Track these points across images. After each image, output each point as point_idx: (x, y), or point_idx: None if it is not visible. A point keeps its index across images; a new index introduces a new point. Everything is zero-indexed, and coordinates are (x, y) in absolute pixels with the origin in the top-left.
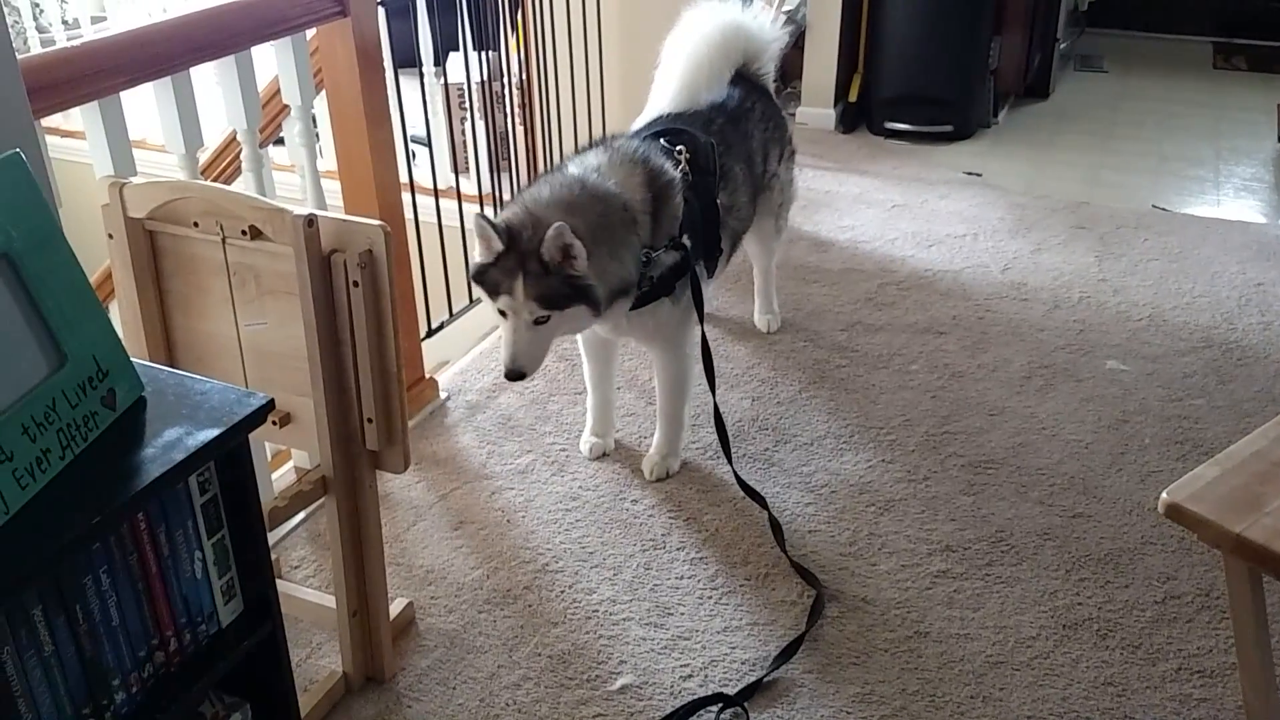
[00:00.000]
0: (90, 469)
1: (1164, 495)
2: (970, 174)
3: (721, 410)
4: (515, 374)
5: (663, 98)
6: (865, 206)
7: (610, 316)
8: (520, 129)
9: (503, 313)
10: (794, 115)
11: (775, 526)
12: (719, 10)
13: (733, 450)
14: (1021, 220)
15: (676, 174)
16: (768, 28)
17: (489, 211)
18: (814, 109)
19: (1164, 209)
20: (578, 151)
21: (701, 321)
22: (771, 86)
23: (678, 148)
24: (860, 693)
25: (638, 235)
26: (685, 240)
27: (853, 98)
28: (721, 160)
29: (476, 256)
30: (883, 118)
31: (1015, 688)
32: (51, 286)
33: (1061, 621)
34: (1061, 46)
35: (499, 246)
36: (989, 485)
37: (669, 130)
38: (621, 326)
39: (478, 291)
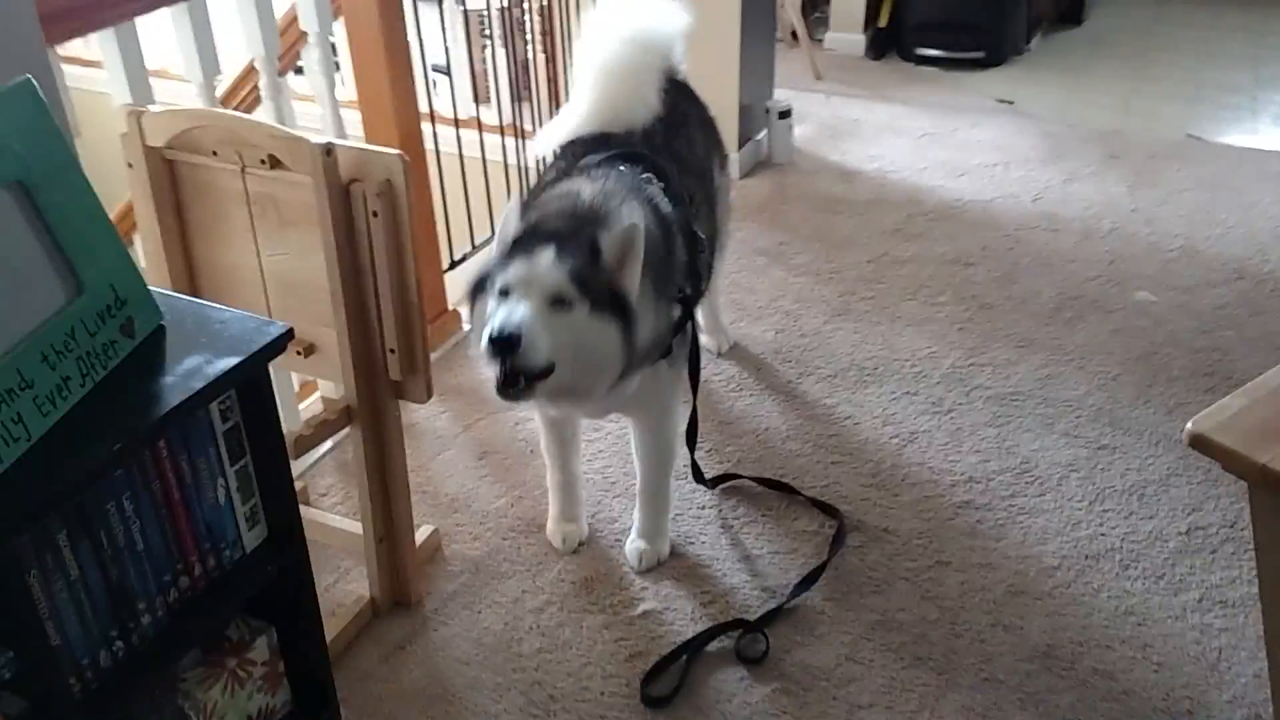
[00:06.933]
0: (111, 396)
1: (1189, 425)
2: (1002, 101)
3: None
4: (504, 340)
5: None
6: (894, 135)
7: (613, 393)
8: (541, 57)
9: (504, 293)
10: (822, 41)
11: (777, 485)
12: (626, 24)
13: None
14: (1053, 149)
15: (674, 212)
16: (676, 21)
17: (509, 143)
18: (843, 34)
19: (1199, 138)
20: (549, 182)
21: (696, 388)
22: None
23: (646, 175)
24: (880, 620)
25: (670, 287)
26: (687, 289)
27: (883, 23)
28: (686, 184)
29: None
30: (913, 44)
31: (1035, 616)
32: (67, 215)
33: (1084, 552)
34: None
35: (513, 230)
36: (1015, 417)
37: (628, 155)
38: (608, 401)
39: (467, 307)
